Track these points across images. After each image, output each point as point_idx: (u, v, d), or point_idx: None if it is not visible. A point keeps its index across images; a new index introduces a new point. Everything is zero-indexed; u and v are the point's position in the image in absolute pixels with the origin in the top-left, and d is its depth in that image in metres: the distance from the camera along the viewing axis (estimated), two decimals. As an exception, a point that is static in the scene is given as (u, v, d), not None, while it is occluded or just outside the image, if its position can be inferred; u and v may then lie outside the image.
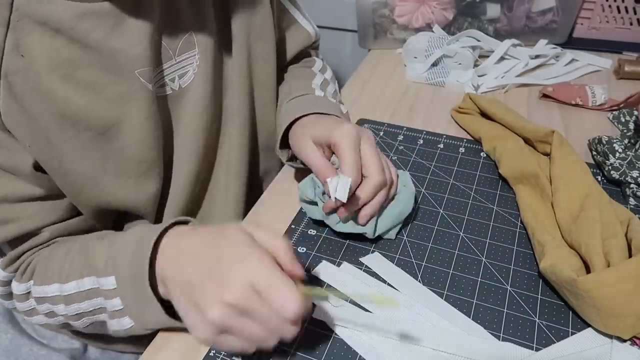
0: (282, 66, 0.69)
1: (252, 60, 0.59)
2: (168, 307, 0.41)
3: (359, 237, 0.52)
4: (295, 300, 0.33)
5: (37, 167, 0.45)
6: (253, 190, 0.65)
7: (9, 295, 0.51)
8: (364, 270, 0.49)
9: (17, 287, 0.49)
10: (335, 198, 0.44)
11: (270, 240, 0.37)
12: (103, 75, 0.44)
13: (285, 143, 0.58)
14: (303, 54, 0.72)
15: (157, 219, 0.56)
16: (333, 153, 0.49)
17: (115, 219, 0.55)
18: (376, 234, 0.50)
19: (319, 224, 0.54)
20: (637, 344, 0.40)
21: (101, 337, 0.64)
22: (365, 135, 0.48)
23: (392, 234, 0.51)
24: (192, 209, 0.59)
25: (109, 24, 0.43)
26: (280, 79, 0.67)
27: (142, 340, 0.64)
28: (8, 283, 0.49)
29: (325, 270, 0.49)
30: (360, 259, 0.50)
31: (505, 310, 0.44)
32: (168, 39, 0.49)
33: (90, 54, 0.43)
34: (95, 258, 0.44)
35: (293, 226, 0.54)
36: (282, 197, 0.59)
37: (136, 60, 0.45)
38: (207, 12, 0.52)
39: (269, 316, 0.34)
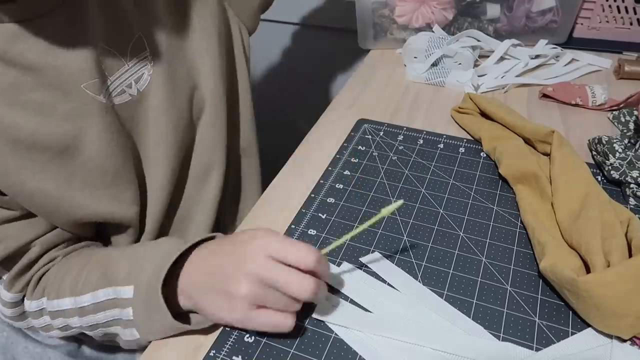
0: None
1: (222, 48, 0.58)
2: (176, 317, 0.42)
3: (359, 237, 0.52)
4: (310, 251, 0.38)
5: (3, 193, 0.45)
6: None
7: (21, 316, 0.51)
8: (364, 270, 0.49)
9: (29, 305, 0.49)
10: None
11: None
12: (50, 95, 0.43)
13: None
14: None
15: (141, 222, 0.56)
16: None
17: (97, 228, 0.55)
18: None
19: (319, 224, 0.54)
20: (637, 344, 0.40)
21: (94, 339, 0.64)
22: None
23: None
24: (174, 204, 0.59)
25: (44, 41, 0.42)
26: None
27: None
28: (17, 304, 0.50)
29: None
30: (360, 259, 0.50)
31: (505, 310, 0.44)
32: (115, 46, 0.47)
33: (31, 75, 0.42)
34: (116, 270, 0.45)
35: (293, 226, 0.54)
36: (282, 197, 0.59)
37: (80, 75, 0.44)
38: (156, 9, 0.51)
39: (291, 277, 0.38)
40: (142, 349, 0.45)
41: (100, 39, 0.46)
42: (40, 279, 0.50)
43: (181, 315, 0.43)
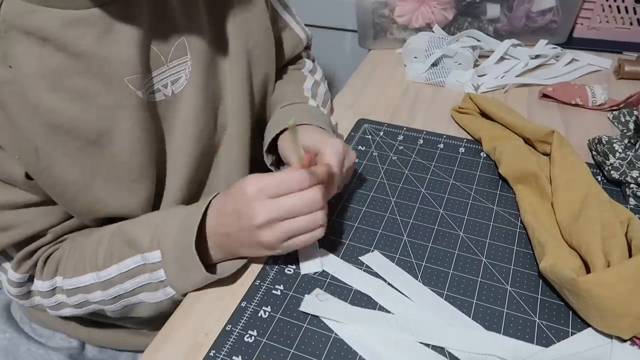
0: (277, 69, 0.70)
1: (251, 65, 0.59)
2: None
3: (359, 237, 0.52)
4: (298, 171, 0.42)
5: (29, 176, 0.45)
6: None
7: (26, 295, 0.53)
8: (364, 270, 0.49)
9: (41, 285, 0.51)
10: None
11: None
12: (92, 84, 0.44)
13: (273, 149, 0.59)
14: (295, 57, 0.73)
15: None
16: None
17: (111, 223, 0.55)
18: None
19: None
20: (637, 344, 0.40)
21: (97, 335, 0.64)
22: (349, 154, 0.51)
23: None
24: None
25: (97, 31, 0.43)
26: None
27: (140, 338, 0.64)
28: (22, 284, 0.51)
29: (328, 261, 0.49)
30: (360, 258, 0.50)
31: (505, 310, 0.44)
32: (159, 45, 0.49)
33: (78, 62, 0.43)
34: (138, 239, 0.47)
35: (293, 226, 0.54)
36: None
37: (125, 68, 0.45)
38: (200, 18, 0.52)
39: (293, 200, 0.42)
40: (160, 320, 0.47)
41: (146, 36, 0.47)
42: (47, 259, 0.51)
43: (209, 265, 0.48)
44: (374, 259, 0.50)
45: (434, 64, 0.81)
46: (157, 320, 0.51)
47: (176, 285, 0.46)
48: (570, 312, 0.44)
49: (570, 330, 0.42)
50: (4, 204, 0.46)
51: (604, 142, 0.57)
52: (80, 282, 0.49)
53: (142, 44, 0.46)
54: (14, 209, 0.47)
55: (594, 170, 0.59)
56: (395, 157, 0.64)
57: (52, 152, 0.44)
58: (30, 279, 0.52)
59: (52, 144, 0.44)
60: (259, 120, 0.64)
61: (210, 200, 0.46)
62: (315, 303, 0.45)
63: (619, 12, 0.85)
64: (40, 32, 0.41)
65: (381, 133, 0.68)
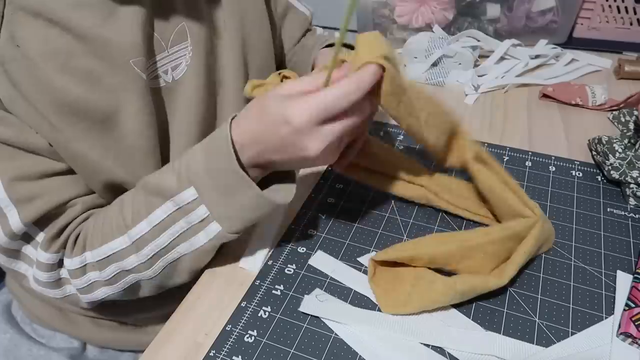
0: (287, 50, 0.72)
1: (247, 50, 0.59)
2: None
3: (359, 237, 0.52)
4: (345, 84, 0.37)
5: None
6: None
7: (57, 282, 0.50)
8: (363, 271, 0.49)
9: (70, 263, 0.48)
10: None
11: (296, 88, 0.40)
12: (98, 65, 0.45)
13: None
14: (305, 33, 0.76)
15: None
16: None
17: None
18: None
19: (319, 224, 0.54)
20: (637, 344, 0.40)
21: (98, 335, 0.64)
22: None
23: None
24: None
25: (102, 13, 0.44)
26: (286, 60, 0.71)
27: (141, 337, 0.64)
28: (54, 266, 0.48)
29: (322, 260, 0.49)
30: (359, 259, 0.50)
31: (505, 310, 0.44)
32: (160, 30, 0.49)
33: (84, 43, 0.44)
34: (163, 185, 0.44)
35: (293, 226, 0.54)
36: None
37: (129, 50, 0.46)
38: (198, 3, 0.52)
39: (350, 123, 0.39)
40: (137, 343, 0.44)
41: (148, 21, 0.47)
42: (78, 235, 0.49)
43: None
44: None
45: (434, 64, 0.81)
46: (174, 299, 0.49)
47: (223, 215, 0.43)
48: (570, 312, 0.44)
49: (570, 330, 0.42)
50: (28, 174, 0.45)
51: (604, 142, 0.57)
52: (111, 249, 0.47)
53: (145, 28, 0.47)
54: (39, 179, 0.46)
55: (594, 170, 0.59)
56: (395, 157, 0.64)
57: (64, 129, 0.45)
58: (60, 264, 0.49)
59: (63, 121, 0.45)
60: None
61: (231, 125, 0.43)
62: (315, 303, 0.45)
63: (619, 12, 0.86)
64: (47, 14, 0.42)
65: (381, 133, 0.68)
